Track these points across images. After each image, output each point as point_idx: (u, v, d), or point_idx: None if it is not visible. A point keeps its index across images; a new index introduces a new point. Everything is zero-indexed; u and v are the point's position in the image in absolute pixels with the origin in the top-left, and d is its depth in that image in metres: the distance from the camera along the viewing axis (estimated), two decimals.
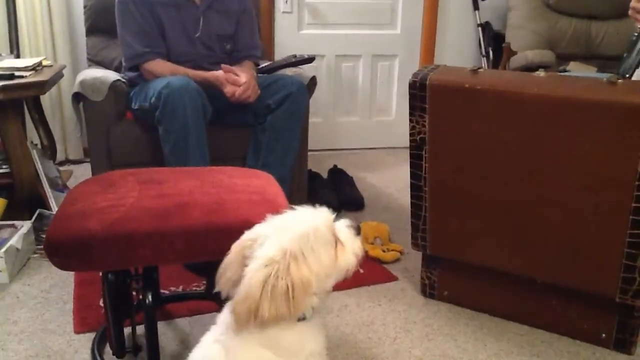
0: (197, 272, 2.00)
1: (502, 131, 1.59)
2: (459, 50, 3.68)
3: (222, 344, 1.03)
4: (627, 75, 1.75)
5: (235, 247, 1.06)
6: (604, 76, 1.86)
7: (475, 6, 3.57)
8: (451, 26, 3.65)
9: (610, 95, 1.45)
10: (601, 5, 3.08)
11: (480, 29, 3.57)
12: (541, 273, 1.69)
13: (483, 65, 3.49)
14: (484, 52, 3.54)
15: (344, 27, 3.54)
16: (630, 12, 1.88)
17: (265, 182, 1.57)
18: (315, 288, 1.03)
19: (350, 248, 1.09)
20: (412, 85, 1.69)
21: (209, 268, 1.66)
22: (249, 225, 1.23)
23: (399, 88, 3.69)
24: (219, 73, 2.22)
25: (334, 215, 1.11)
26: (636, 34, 1.83)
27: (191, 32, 2.31)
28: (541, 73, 1.60)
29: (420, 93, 1.68)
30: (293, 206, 1.14)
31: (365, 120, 3.74)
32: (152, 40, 2.26)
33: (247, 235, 1.08)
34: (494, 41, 3.48)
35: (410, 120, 1.73)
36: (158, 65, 2.25)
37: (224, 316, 1.07)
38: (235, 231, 1.27)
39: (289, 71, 2.59)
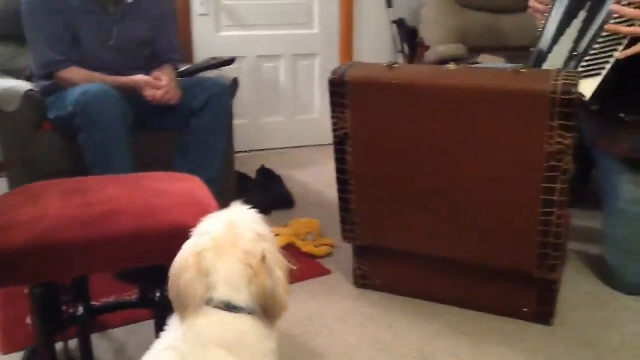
0: (128, 281, 1.97)
1: (419, 121, 1.66)
2: (376, 46, 3.78)
3: (176, 349, 1.00)
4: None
5: (188, 263, 1.02)
6: (512, 66, 1.97)
7: (389, 4, 3.67)
8: (367, 24, 3.74)
9: (516, 84, 1.55)
10: (507, 0, 3.26)
11: (395, 25, 3.68)
12: (465, 254, 1.78)
13: (400, 61, 3.60)
14: (400, 48, 3.65)
15: (262, 28, 3.56)
16: (529, 10, 2.00)
17: (192, 185, 1.57)
18: None
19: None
20: (332, 83, 1.74)
21: (140, 275, 1.64)
22: (180, 228, 1.23)
23: (321, 86, 3.75)
24: (137, 77, 2.19)
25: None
26: (540, 29, 1.94)
27: (106, 39, 2.25)
28: (452, 66, 1.68)
29: (339, 90, 1.73)
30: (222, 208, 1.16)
31: (290, 119, 3.78)
32: (65, 47, 2.19)
33: (193, 246, 1.04)
34: (409, 37, 3.60)
35: (332, 117, 1.77)
36: (74, 72, 2.19)
37: (178, 321, 1.04)
38: (165, 235, 1.27)
39: (210, 74, 2.58)
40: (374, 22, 3.74)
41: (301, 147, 3.79)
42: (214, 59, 2.67)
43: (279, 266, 1.04)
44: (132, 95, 2.15)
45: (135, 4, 2.30)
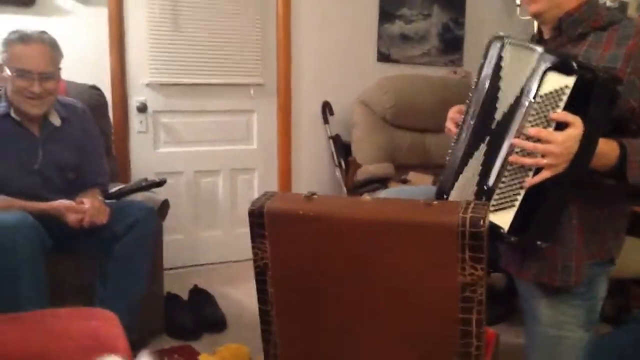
0: None
1: (335, 252, 1.67)
2: (314, 161, 3.87)
3: None
4: (445, 197, 1.90)
5: None
6: (432, 191, 2.02)
7: (325, 120, 3.80)
8: (305, 139, 3.84)
9: (425, 216, 1.59)
10: (430, 121, 3.43)
11: (331, 141, 3.79)
12: None
13: (337, 175, 3.68)
14: (336, 162, 3.74)
15: (201, 144, 3.62)
16: (446, 131, 2.08)
17: (102, 324, 1.50)
18: None
19: None
20: (251, 214, 1.74)
21: None
22: None
23: None
24: (57, 203, 2.14)
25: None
26: (448, 155, 1.97)
27: (29, 163, 2.23)
28: (367, 197, 1.72)
29: (259, 221, 1.73)
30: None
31: (228, 233, 3.76)
32: None
33: None
34: (344, 152, 3.71)
35: (253, 247, 1.76)
36: None
37: None
38: None
39: (140, 195, 2.56)
40: (312, 137, 3.85)
41: (239, 261, 3.74)
42: (145, 180, 2.65)
43: None
44: (54, 220, 2.10)
45: (61, 127, 2.31)
